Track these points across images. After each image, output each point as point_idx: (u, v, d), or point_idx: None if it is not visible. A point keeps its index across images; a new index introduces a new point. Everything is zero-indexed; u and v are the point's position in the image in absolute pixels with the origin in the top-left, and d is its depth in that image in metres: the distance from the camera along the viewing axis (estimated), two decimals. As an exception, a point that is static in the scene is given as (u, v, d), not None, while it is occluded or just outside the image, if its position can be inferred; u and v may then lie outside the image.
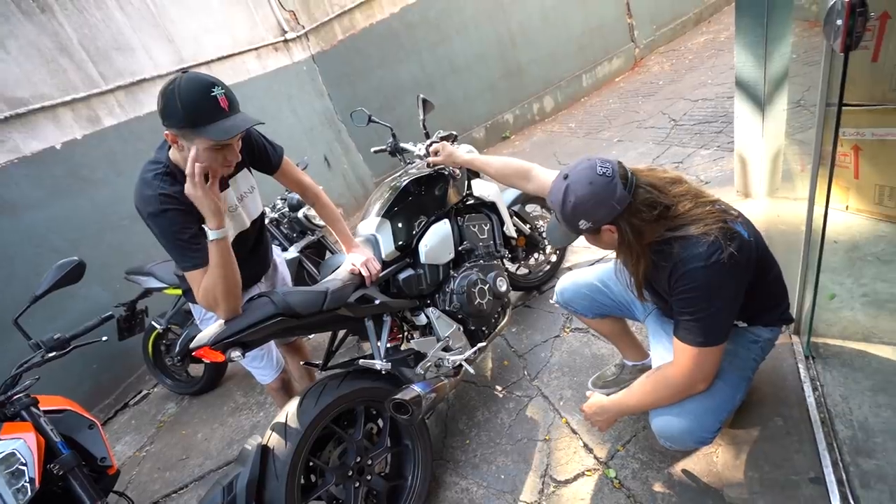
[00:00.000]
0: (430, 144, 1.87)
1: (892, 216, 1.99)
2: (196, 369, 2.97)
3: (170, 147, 1.28)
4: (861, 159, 1.99)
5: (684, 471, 1.49)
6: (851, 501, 1.20)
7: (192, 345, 1.28)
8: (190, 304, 1.67)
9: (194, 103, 1.14)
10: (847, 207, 2.14)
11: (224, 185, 1.42)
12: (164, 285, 2.60)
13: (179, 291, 2.65)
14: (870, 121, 1.87)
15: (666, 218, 1.15)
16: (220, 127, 1.17)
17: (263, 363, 1.76)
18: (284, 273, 1.82)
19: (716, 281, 1.12)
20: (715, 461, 1.48)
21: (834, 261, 1.91)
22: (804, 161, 2.34)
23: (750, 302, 1.20)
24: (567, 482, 1.61)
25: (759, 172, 2.54)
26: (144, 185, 1.26)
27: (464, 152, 1.86)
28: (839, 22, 1.04)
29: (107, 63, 3.22)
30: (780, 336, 1.45)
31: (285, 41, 4.41)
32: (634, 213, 1.13)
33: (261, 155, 1.51)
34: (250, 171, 1.53)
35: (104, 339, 1.81)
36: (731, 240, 1.10)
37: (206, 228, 1.26)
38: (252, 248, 1.59)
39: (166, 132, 1.20)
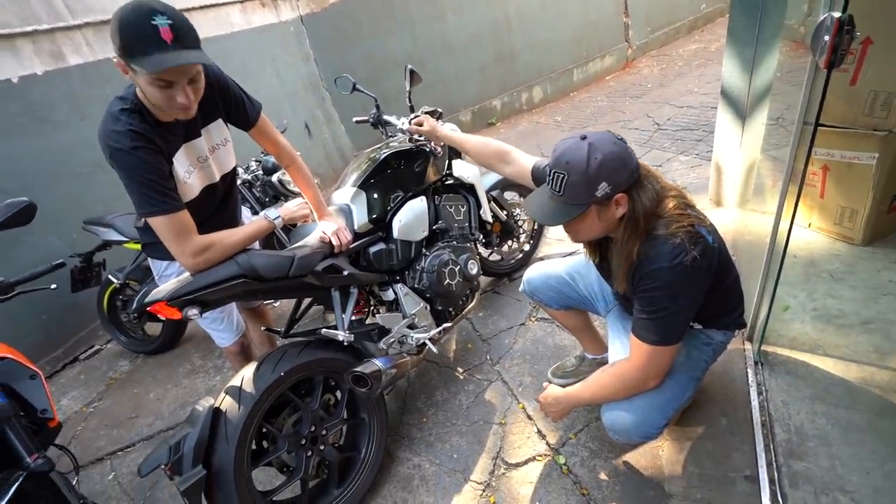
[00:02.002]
0: (414, 118, 1.83)
1: (849, 237, 2.08)
2: (153, 328, 2.88)
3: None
4: (828, 180, 2.07)
5: (630, 462, 1.55)
6: (780, 499, 1.28)
7: (147, 299, 1.23)
8: (149, 259, 1.60)
9: (130, 29, 1.05)
10: (810, 225, 2.23)
11: (195, 134, 1.35)
12: (125, 239, 2.48)
13: (140, 246, 2.54)
14: (841, 143, 1.94)
15: (656, 209, 1.15)
16: (154, 59, 1.07)
17: (223, 326, 1.71)
18: None
19: (677, 283, 1.14)
20: (660, 455, 1.53)
21: (791, 275, 1.99)
22: (776, 177, 2.41)
23: (706, 305, 1.23)
24: (518, 465, 1.64)
25: (732, 183, 2.61)
26: (112, 119, 1.18)
27: (447, 130, 1.83)
28: (826, 38, 1.06)
29: (76, -5, 2.99)
30: (734, 341, 1.50)
31: (274, -3, 4.21)
32: (641, 186, 1.14)
33: (237, 107, 1.43)
34: (226, 122, 1.46)
35: (53, 286, 1.72)
36: (695, 244, 1.12)
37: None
38: (219, 204, 1.52)
39: (114, 57, 1.12)
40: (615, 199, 1.12)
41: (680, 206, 1.16)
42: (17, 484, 1.18)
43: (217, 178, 1.46)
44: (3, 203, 1.52)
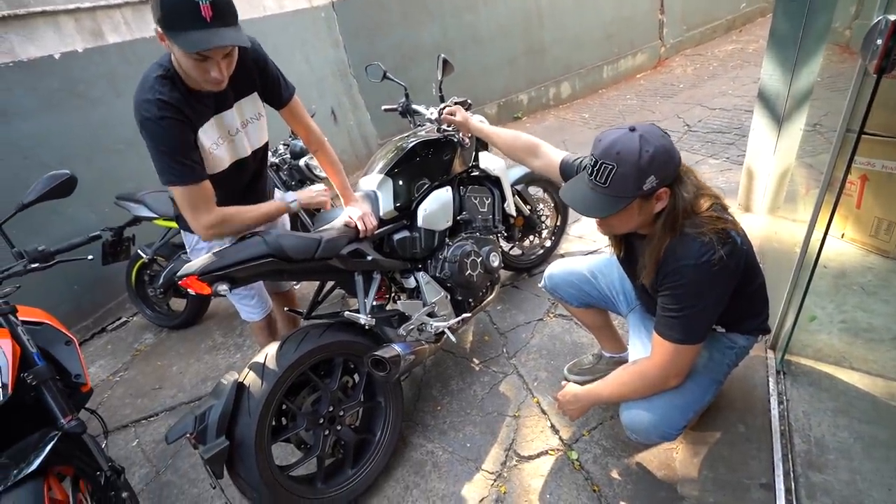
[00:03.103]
0: (444, 108, 1.83)
1: (884, 250, 2.02)
2: (177, 304, 2.96)
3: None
4: (866, 190, 2.00)
5: (643, 462, 1.55)
6: (796, 509, 1.26)
7: (179, 272, 1.27)
8: (182, 232, 1.64)
9: (171, 4, 1.08)
10: (843, 235, 2.17)
11: (227, 106, 1.37)
12: (155, 215, 2.55)
13: (169, 223, 2.62)
14: (883, 152, 1.87)
15: (692, 206, 1.14)
16: (192, 37, 1.09)
17: (253, 302, 1.77)
18: (284, 217, 1.77)
19: (703, 281, 1.13)
20: (674, 457, 1.53)
21: (820, 285, 1.94)
22: (810, 184, 2.35)
23: (730, 308, 1.22)
24: (530, 458, 1.65)
25: (763, 188, 2.55)
26: (145, 86, 1.22)
27: (475, 121, 1.83)
28: (879, 41, 1.02)
29: (117, -25, 3.06)
30: (757, 349, 1.48)
31: (306, -18, 4.23)
32: (682, 182, 1.13)
33: (272, 86, 1.46)
34: (261, 98, 1.48)
35: (90, 258, 1.78)
36: (724, 244, 1.11)
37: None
38: (250, 181, 1.55)
39: (155, 26, 1.15)
40: (657, 193, 1.11)
41: (714, 207, 1.15)
42: (52, 443, 1.24)
43: (248, 152, 1.48)
44: (47, 175, 1.58)
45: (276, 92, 1.48)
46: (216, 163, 1.38)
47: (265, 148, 1.56)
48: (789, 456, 1.39)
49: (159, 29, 1.14)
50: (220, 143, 1.37)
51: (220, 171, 1.40)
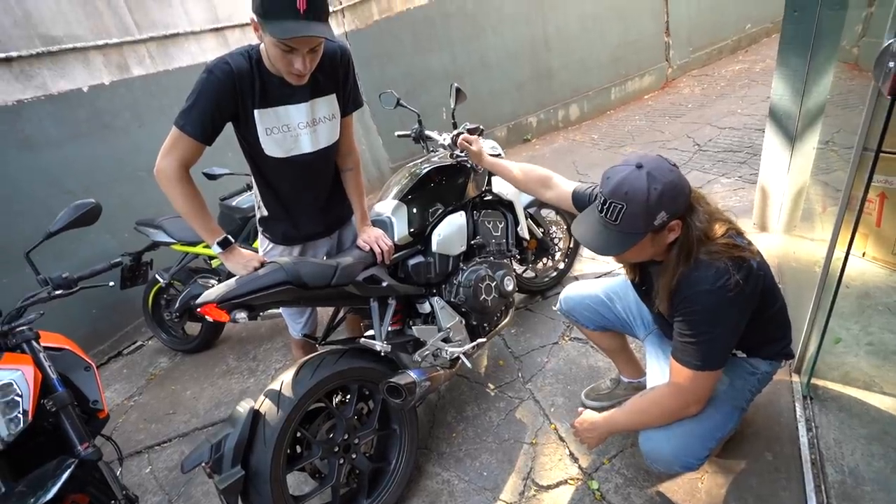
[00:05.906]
0: (457, 135, 1.86)
1: (908, 269, 1.97)
2: (192, 328, 2.99)
3: None
4: (886, 207, 1.97)
5: (667, 493, 1.49)
6: (832, 545, 1.20)
7: (198, 300, 1.28)
8: (260, 236, 1.68)
9: None
10: (864, 254, 2.13)
11: (299, 99, 1.39)
12: (172, 241, 2.61)
13: (186, 248, 2.67)
14: (901, 170, 1.85)
15: (707, 234, 1.13)
16: (284, 26, 1.16)
17: (302, 319, 1.79)
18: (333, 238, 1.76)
19: (719, 306, 1.11)
20: (699, 487, 1.47)
21: (844, 306, 1.89)
22: (826, 202, 2.32)
23: (750, 333, 1.20)
24: (548, 488, 1.61)
25: (779, 207, 2.53)
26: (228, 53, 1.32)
27: (488, 148, 1.85)
28: (891, 64, 1.02)
29: (142, 12, 3.21)
30: (780, 373, 1.44)
31: (321, 14, 4.39)
32: (694, 210, 1.13)
33: (348, 93, 1.51)
34: (339, 102, 1.51)
35: (111, 284, 1.82)
36: (739, 269, 1.10)
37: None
38: (317, 177, 1.56)
39: (251, 15, 1.23)
40: (670, 225, 1.11)
41: (729, 233, 1.14)
42: (69, 471, 1.24)
43: (310, 149, 1.47)
44: (73, 204, 1.63)
45: (347, 101, 1.53)
46: (268, 146, 1.41)
47: (334, 147, 1.57)
48: (822, 487, 1.34)
49: (255, 17, 1.22)
50: (275, 132, 1.40)
51: (274, 159, 1.43)
